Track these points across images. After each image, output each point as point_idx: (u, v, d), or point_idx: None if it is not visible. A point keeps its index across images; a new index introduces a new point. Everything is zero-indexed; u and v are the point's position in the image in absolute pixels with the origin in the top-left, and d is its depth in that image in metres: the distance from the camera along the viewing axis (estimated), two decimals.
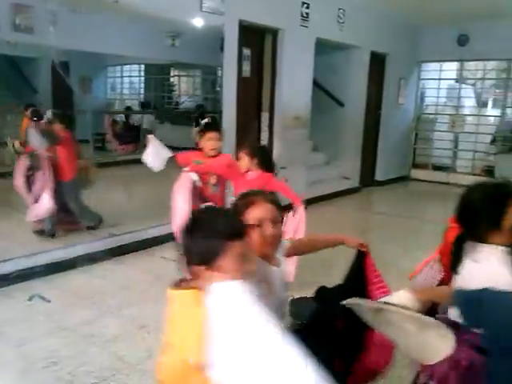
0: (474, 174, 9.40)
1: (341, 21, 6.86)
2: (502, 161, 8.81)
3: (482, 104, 10.74)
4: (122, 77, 8.09)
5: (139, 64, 7.86)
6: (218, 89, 5.74)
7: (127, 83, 8.25)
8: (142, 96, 8.38)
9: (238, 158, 3.54)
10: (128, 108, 7.79)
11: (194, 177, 3.52)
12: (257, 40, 5.92)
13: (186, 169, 3.56)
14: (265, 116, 6.20)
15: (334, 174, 8.02)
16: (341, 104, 7.84)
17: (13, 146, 5.49)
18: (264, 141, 6.23)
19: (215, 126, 4.07)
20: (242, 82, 5.63)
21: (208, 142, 3.53)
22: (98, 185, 4.78)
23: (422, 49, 9.13)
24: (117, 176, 5.69)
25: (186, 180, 3.50)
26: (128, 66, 7.98)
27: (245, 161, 3.44)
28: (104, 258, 4.32)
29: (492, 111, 10.52)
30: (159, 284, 3.70)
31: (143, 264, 4.35)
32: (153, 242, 4.75)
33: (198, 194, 3.54)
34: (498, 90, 10.75)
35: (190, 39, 6.27)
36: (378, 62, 8.18)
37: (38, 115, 4.99)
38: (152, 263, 4.38)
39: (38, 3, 4.18)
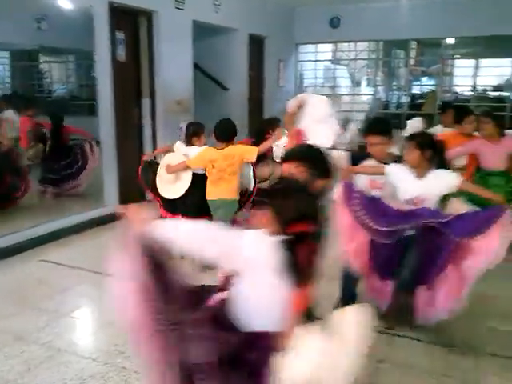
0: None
1: (217, 3, 6.79)
2: None
3: (356, 83, 11.42)
4: None
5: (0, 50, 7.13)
6: (95, 75, 5.41)
7: None
8: (7, 85, 7.65)
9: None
10: None
11: None
12: (130, 23, 5.65)
13: None
14: (146, 102, 5.97)
15: None
16: (225, 88, 7.81)
17: None
18: (147, 128, 6.02)
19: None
20: (117, 67, 5.35)
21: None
22: None
23: (299, 31, 9.41)
24: None
25: None
26: None
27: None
28: None
29: (366, 90, 11.23)
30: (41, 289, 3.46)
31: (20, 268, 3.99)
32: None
33: None
34: (369, 70, 11.48)
35: (59, 22, 5.82)
36: (257, 45, 8.26)
37: None
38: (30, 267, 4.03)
39: None
